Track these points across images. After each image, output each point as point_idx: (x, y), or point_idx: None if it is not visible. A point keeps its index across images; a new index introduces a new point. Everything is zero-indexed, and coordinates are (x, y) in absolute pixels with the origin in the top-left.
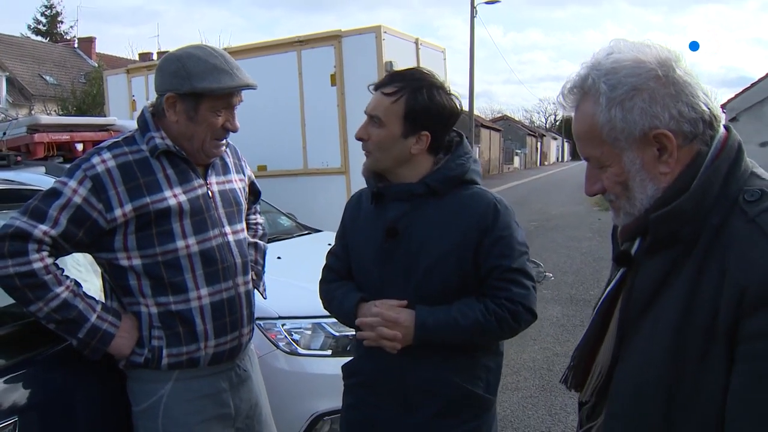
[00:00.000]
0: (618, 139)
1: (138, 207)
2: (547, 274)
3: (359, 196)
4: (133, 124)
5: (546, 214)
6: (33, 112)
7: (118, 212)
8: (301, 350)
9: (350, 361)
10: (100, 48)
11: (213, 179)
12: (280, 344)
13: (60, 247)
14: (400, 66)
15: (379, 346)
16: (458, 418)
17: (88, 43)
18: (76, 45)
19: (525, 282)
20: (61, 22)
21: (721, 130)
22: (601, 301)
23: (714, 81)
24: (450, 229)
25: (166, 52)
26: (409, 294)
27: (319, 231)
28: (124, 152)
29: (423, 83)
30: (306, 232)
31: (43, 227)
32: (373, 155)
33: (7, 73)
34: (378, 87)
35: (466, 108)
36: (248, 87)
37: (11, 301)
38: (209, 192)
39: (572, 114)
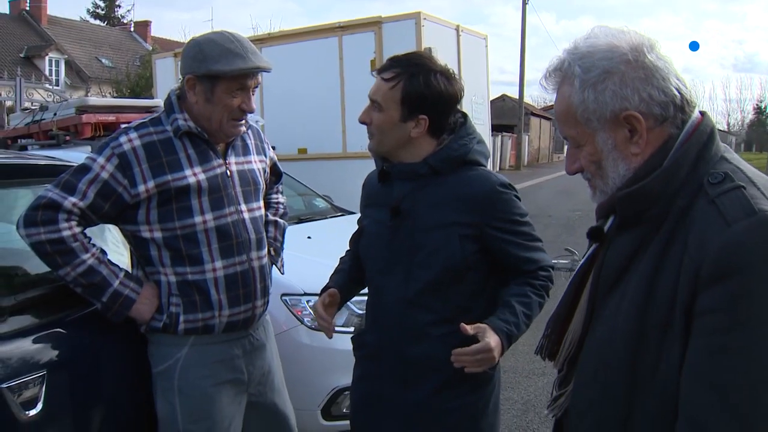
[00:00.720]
0: (590, 119)
1: (160, 183)
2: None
3: (371, 178)
4: None
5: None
6: (89, 94)
7: (141, 188)
8: None
9: (359, 332)
10: (155, 32)
11: (232, 159)
12: (305, 320)
13: (88, 218)
14: (440, 52)
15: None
16: (456, 392)
17: (143, 27)
18: (132, 29)
19: (539, 245)
20: (119, 6)
21: (696, 114)
22: (574, 273)
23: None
24: (452, 208)
25: None
26: (412, 270)
27: (353, 213)
28: (149, 132)
29: (420, 69)
30: (340, 213)
31: (73, 199)
32: (376, 138)
33: (66, 56)
34: (379, 72)
35: (515, 96)
36: (260, 69)
37: (44, 266)
38: (228, 171)
39: (554, 96)
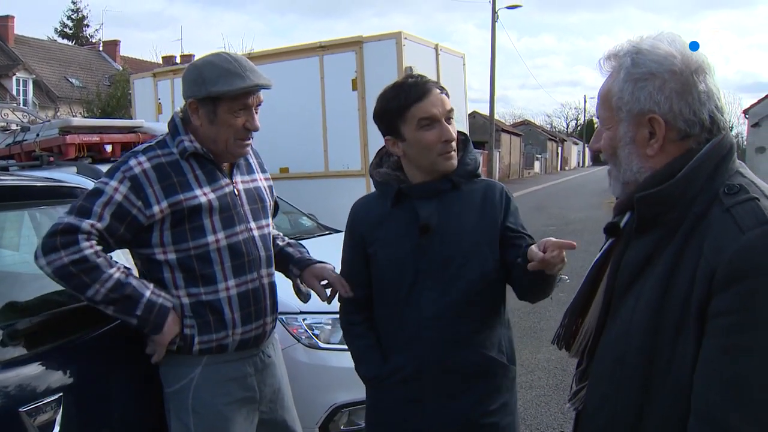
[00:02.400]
0: (621, 109)
1: (173, 203)
2: (562, 276)
3: (366, 202)
4: (159, 127)
5: (564, 218)
6: (58, 114)
7: (156, 208)
8: (321, 344)
9: (376, 359)
10: (124, 51)
11: (238, 178)
12: (302, 338)
13: (105, 241)
14: (420, 71)
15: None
16: (497, 393)
17: (112, 46)
18: (101, 48)
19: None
20: (87, 25)
21: (720, 135)
22: (591, 267)
23: (731, 86)
24: (478, 218)
25: (189, 55)
26: (448, 283)
27: (339, 231)
28: (157, 155)
29: None
30: (327, 232)
31: (90, 221)
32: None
33: (34, 76)
34: (442, 89)
35: (485, 112)
36: (260, 87)
37: (56, 288)
38: (235, 190)
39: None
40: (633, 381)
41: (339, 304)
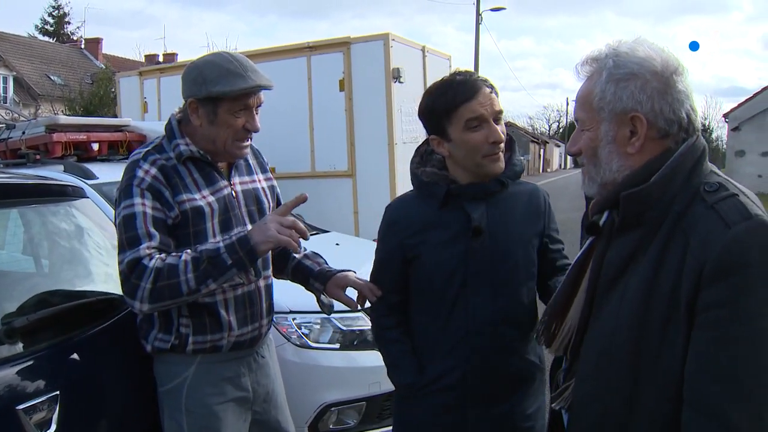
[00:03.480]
0: (603, 108)
1: (180, 202)
2: None
3: (405, 207)
4: (146, 126)
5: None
6: (40, 112)
7: (175, 209)
8: (311, 343)
9: (412, 366)
10: (106, 49)
11: (236, 179)
12: (291, 337)
13: (166, 253)
14: (407, 72)
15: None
16: (535, 396)
17: (94, 44)
18: (82, 46)
19: None
20: (69, 22)
21: (695, 136)
22: (571, 266)
23: (708, 90)
24: (524, 221)
25: (172, 53)
26: (498, 288)
27: (327, 231)
28: (157, 158)
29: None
30: (314, 232)
31: (143, 245)
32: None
33: (14, 73)
34: (492, 87)
35: None
36: (261, 88)
37: (51, 285)
38: (233, 192)
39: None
40: (622, 376)
41: (370, 308)
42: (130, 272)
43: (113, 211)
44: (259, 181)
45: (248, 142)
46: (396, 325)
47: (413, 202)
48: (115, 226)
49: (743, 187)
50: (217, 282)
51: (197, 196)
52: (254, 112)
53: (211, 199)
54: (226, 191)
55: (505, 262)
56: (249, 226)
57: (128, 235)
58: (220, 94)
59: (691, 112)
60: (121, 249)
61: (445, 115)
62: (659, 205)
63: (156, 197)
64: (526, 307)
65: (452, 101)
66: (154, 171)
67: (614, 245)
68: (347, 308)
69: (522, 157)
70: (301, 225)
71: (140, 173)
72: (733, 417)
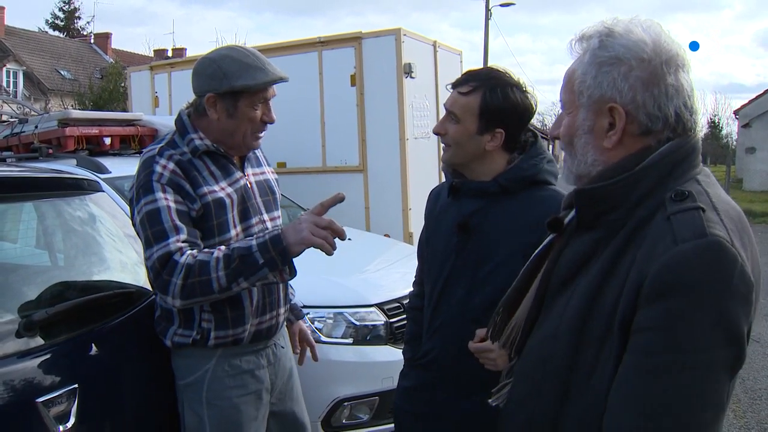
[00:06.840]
0: (582, 93)
1: (201, 195)
2: None
3: (439, 191)
4: (158, 120)
5: None
6: (49, 106)
7: (198, 202)
8: (323, 338)
9: (413, 339)
10: (115, 44)
11: (250, 171)
12: None
13: (196, 246)
14: (418, 68)
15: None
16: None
17: (104, 39)
18: (92, 41)
19: None
20: (79, 17)
21: (684, 137)
22: (529, 260)
23: (707, 88)
24: (521, 227)
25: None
26: (476, 284)
27: None
28: (173, 153)
29: (498, 81)
30: None
31: (172, 239)
32: (451, 150)
33: (24, 68)
34: (455, 86)
35: None
36: (281, 80)
37: (68, 278)
38: (248, 183)
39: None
40: (553, 386)
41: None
42: (162, 268)
43: (128, 206)
44: (269, 172)
45: (263, 134)
46: (418, 306)
47: (444, 190)
48: (134, 225)
49: (726, 204)
50: (249, 281)
51: (217, 188)
52: (270, 104)
53: (229, 190)
54: (242, 182)
55: (487, 263)
56: (265, 215)
57: (154, 230)
58: (244, 88)
59: (683, 110)
60: (148, 245)
61: None
62: (621, 207)
63: (177, 191)
64: None
65: None
66: (171, 165)
67: (571, 245)
68: (360, 303)
69: (540, 162)
70: (338, 225)
71: (158, 168)
72: None
